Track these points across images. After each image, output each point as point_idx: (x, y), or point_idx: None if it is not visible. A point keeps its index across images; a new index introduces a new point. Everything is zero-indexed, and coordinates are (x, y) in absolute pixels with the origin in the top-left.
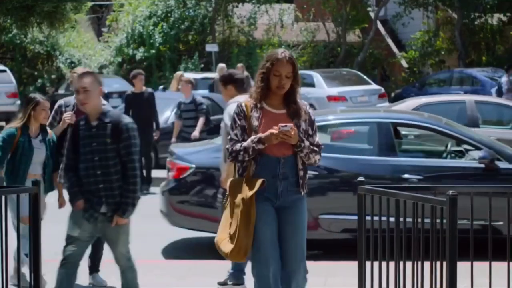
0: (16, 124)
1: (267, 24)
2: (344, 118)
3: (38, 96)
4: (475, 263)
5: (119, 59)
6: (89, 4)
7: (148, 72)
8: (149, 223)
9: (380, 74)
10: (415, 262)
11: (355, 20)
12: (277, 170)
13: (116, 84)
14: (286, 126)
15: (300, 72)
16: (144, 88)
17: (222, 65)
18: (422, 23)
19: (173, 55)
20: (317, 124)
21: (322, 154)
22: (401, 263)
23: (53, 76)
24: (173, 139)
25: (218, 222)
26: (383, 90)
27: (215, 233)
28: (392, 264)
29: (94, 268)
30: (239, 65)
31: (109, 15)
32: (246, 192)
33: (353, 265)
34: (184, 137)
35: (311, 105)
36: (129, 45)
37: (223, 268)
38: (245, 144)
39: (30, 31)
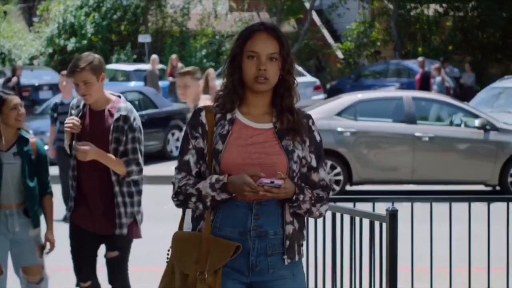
0: None
1: (200, 14)
2: None
3: (2, 92)
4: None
5: (50, 50)
6: None
7: None
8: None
9: (315, 65)
10: (353, 276)
11: (290, 10)
12: (248, 222)
13: (46, 76)
14: (273, 182)
15: None
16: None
17: (154, 56)
18: (357, 13)
19: (105, 45)
20: None
21: None
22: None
23: None
24: (48, 149)
25: None
26: (318, 82)
27: None
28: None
29: None
30: (173, 56)
31: (40, 4)
32: (203, 264)
33: None
34: (60, 147)
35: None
36: (60, 36)
37: None
38: (201, 187)
39: None
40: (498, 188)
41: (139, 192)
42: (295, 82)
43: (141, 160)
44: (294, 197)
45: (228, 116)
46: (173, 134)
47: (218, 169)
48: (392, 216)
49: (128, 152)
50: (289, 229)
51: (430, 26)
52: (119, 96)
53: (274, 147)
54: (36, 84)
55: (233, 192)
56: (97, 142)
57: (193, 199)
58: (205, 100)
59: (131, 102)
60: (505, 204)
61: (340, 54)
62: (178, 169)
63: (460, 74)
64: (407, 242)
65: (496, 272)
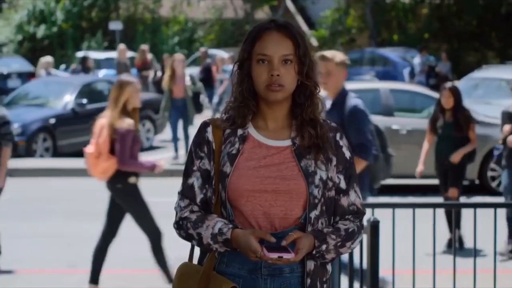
0: None
1: (173, 1)
2: None
3: None
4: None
5: (20, 37)
6: None
7: (50, 50)
8: None
9: None
10: None
11: None
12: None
13: (15, 63)
14: (281, 257)
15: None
16: None
17: (122, 46)
18: (332, 0)
19: (75, 33)
20: None
21: None
22: None
23: None
24: None
25: None
26: None
27: None
28: None
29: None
30: (144, 47)
31: None
32: None
33: None
34: None
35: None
36: (30, 23)
37: None
38: (202, 234)
39: None
40: (477, 182)
41: None
42: (318, 88)
43: None
44: (314, 251)
45: (239, 131)
46: (143, 125)
47: (224, 195)
48: (374, 228)
49: None
50: (310, 265)
51: (406, 13)
52: None
53: (291, 169)
54: (5, 72)
55: (237, 248)
56: None
57: (194, 242)
58: None
59: (100, 92)
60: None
61: (314, 42)
62: (181, 194)
63: (436, 62)
64: (388, 243)
65: (482, 274)
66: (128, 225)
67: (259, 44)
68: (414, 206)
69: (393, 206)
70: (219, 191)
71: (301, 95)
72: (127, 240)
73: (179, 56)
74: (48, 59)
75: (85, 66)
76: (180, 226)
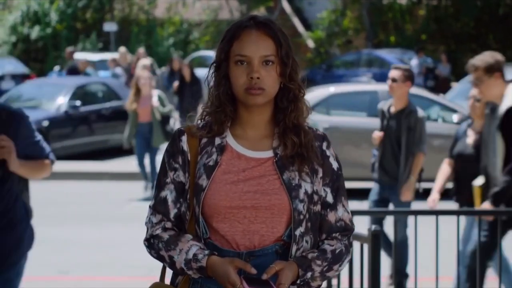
0: None
1: (168, 2)
2: None
3: None
4: None
5: (14, 39)
6: None
7: (44, 52)
8: None
9: None
10: None
11: None
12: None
13: (9, 65)
14: None
15: (203, 52)
16: None
17: (123, 49)
18: (329, 1)
19: (70, 34)
20: None
21: None
22: None
23: None
24: None
25: None
26: None
27: None
28: None
29: None
30: (141, 50)
31: None
32: None
33: None
34: None
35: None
36: (23, 24)
37: None
38: (175, 258)
39: None
40: None
41: None
42: (302, 91)
43: None
44: (298, 281)
45: (217, 140)
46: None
47: (198, 211)
48: (375, 237)
49: None
50: None
51: (403, 15)
52: None
53: (273, 183)
54: None
55: (212, 277)
56: None
57: (166, 264)
58: None
59: (94, 94)
60: None
61: (311, 43)
62: (153, 209)
63: (435, 64)
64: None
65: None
66: (126, 232)
67: (237, 44)
68: (415, 213)
69: (395, 213)
70: (194, 206)
71: (284, 99)
72: (123, 246)
73: (144, 73)
74: (145, 61)
75: (173, 68)
76: (151, 245)
